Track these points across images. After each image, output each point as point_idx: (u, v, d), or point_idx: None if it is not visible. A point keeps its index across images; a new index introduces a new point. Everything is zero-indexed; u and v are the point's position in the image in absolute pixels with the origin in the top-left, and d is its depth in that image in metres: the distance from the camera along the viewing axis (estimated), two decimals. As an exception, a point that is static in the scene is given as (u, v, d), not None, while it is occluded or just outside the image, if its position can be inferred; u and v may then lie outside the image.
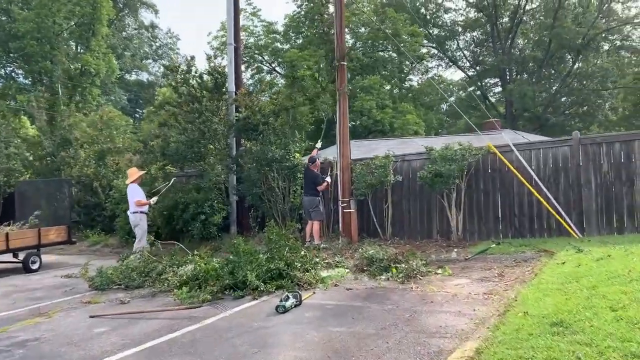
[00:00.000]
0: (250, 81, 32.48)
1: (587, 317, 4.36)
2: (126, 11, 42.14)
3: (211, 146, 12.92)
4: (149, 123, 25.68)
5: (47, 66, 27.47)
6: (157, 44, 48.08)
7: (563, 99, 37.82)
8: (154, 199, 10.96)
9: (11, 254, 10.48)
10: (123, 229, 13.15)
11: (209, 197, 12.09)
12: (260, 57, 33.37)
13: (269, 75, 33.71)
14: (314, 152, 11.56)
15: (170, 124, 13.20)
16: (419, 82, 38.86)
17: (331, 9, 12.82)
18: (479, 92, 39.24)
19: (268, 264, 7.26)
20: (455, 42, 41.09)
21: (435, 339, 4.63)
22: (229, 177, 12.92)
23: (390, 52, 33.30)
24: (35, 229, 10.99)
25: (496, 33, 38.00)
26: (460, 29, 40.64)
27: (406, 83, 37.09)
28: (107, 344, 5.16)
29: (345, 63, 11.65)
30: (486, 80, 41.35)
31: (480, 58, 40.71)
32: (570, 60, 36.73)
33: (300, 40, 32.11)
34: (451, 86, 42.16)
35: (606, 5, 35.00)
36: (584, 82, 36.28)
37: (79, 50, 32.00)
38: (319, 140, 11.84)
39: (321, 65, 27.05)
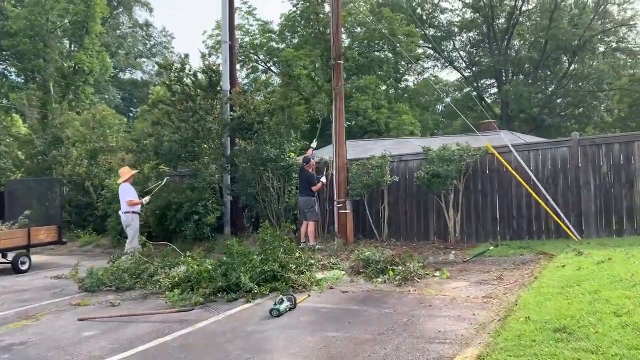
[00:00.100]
0: (245, 80, 32.32)
1: (591, 323, 4.23)
2: (120, 9, 41.88)
3: (205, 145, 12.77)
4: (142, 122, 25.45)
5: (40, 64, 27.20)
6: (152, 43, 47.77)
7: (559, 100, 37.82)
8: (146, 199, 10.80)
9: (0, 255, 10.28)
10: (115, 229, 12.96)
11: (203, 196, 11.92)
12: (255, 57, 33.22)
13: (264, 74, 33.55)
14: (309, 152, 11.40)
15: (163, 122, 13.04)
16: (415, 82, 38.86)
17: (327, 8, 12.70)
18: (474, 93, 39.21)
19: (262, 265, 7.10)
20: (452, 42, 41.05)
21: (435, 345, 4.48)
22: (223, 177, 12.76)
23: (386, 53, 33.24)
24: (24, 228, 10.81)
25: (492, 34, 37.98)
26: (456, 30, 40.60)
27: (402, 83, 37.05)
28: (96, 349, 5.00)
29: (341, 62, 11.52)
30: (482, 81, 41.30)
31: (476, 59, 40.68)
32: (566, 61, 36.75)
33: (296, 40, 31.99)
34: (447, 87, 42.12)
35: (602, 6, 35.03)
36: (580, 84, 36.31)
37: (72, 48, 31.73)
38: (314, 140, 11.69)
39: (317, 65, 27.00)
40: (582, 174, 9.69)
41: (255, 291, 6.69)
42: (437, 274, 7.53)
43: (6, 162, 16.63)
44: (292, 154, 12.25)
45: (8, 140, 17.53)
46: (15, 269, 10.30)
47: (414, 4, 39.38)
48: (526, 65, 37.37)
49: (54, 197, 13.41)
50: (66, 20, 29.37)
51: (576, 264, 6.81)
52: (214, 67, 13.00)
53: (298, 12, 31.21)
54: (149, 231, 12.15)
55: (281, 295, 6.13)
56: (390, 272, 7.36)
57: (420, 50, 37.81)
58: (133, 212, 10.43)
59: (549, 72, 38.14)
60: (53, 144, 16.62)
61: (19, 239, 10.50)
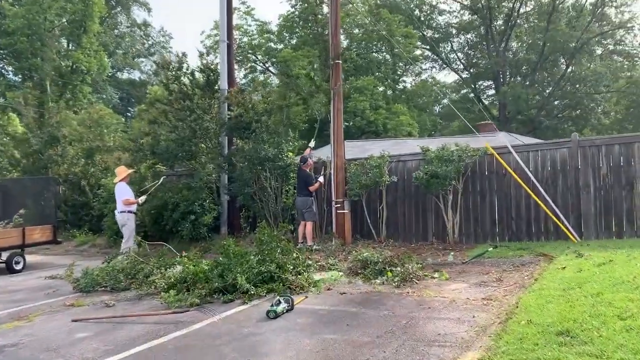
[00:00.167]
0: (244, 81, 32.23)
1: (595, 327, 4.15)
2: (118, 9, 41.71)
3: (202, 145, 12.67)
4: (139, 121, 25.30)
5: (37, 63, 27.06)
6: (150, 42, 47.59)
7: (556, 102, 37.83)
8: (142, 198, 10.69)
9: (-6, 254, 10.18)
10: (111, 228, 12.85)
11: (200, 196, 11.83)
12: (253, 57, 33.14)
13: (262, 75, 33.49)
14: (307, 152, 11.32)
15: (160, 121, 12.93)
16: (413, 83, 38.81)
17: (325, 9, 12.65)
18: (472, 95, 39.17)
19: (259, 266, 6.99)
20: (449, 44, 41.01)
21: (435, 348, 4.39)
22: (220, 177, 12.68)
23: (384, 54, 33.20)
24: (19, 228, 10.69)
25: (490, 36, 37.93)
26: (454, 31, 40.56)
27: (400, 84, 36.99)
28: (89, 350, 4.90)
29: (340, 62, 11.44)
30: (480, 83, 41.27)
31: (474, 60, 40.64)
32: (564, 63, 36.74)
33: (294, 41, 31.95)
34: (444, 88, 42.07)
35: (600, 9, 35.02)
36: (577, 86, 36.28)
37: (70, 47, 31.59)
38: (312, 140, 11.61)
39: (315, 65, 26.96)
40: (582, 175, 9.62)
41: (252, 292, 6.58)
42: (436, 275, 7.44)
43: (2, 161, 16.49)
44: (290, 154, 12.17)
45: (4, 139, 17.38)
46: (9, 269, 10.18)
47: (412, 6, 39.35)
48: (524, 67, 37.37)
49: (50, 197, 13.26)
50: (64, 20, 29.26)
51: (577, 266, 6.74)
52: (211, 66, 12.92)
53: (296, 12, 31.18)
54: (145, 231, 12.04)
55: (278, 297, 6.03)
56: (389, 274, 7.27)
57: (418, 52, 37.84)
58: (129, 211, 10.31)
59: (546, 74, 38.12)
60: (49, 143, 16.49)
61: (13, 238, 10.36)
